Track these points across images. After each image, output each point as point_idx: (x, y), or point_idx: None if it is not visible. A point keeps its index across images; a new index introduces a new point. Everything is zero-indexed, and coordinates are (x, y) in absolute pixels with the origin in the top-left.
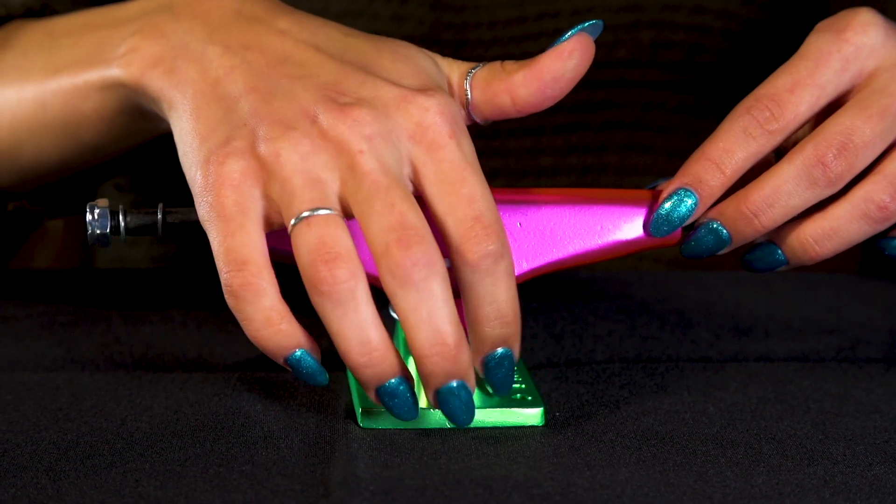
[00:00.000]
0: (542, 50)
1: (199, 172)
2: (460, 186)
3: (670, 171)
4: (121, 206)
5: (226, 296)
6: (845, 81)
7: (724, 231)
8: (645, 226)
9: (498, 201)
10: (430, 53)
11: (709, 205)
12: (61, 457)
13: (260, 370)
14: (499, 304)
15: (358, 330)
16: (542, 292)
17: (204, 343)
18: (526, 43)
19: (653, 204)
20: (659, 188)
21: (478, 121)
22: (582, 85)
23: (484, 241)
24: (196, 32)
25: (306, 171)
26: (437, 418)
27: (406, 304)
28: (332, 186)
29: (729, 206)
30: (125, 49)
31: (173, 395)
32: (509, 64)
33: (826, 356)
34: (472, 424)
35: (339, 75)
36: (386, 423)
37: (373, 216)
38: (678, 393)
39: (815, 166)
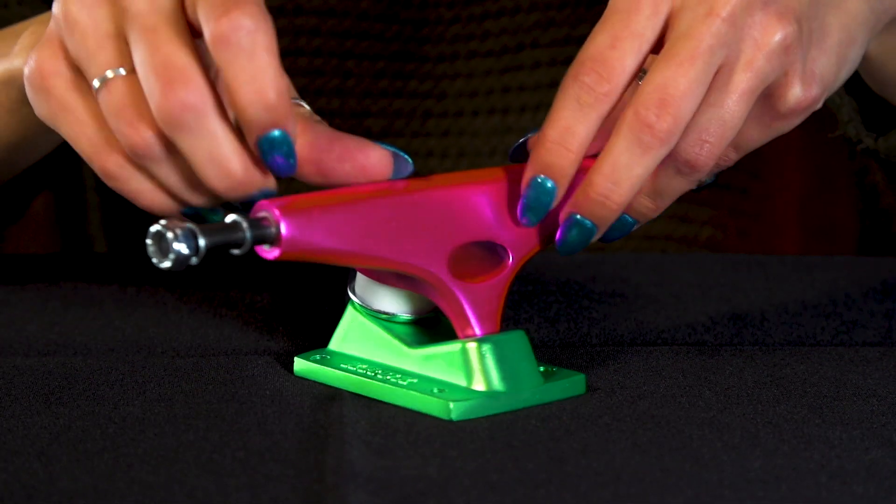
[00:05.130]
0: (503, 30)
1: (24, 71)
2: None
3: None
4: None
5: (106, 181)
6: (660, 24)
7: (587, 221)
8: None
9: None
10: None
11: (567, 184)
12: (53, 441)
13: (253, 355)
14: (257, 81)
15: (179, 181)
16: (536, 275)
17: (197, 328)
18: (486, 22)
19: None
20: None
21: None
22: (546, 63)
23: (234, 13)
24: None
25: (95, 29)
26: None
27: (185, 146)
28: (121, 37)
29: (579, 196)
30: (26, 38)
31: (166, 381)
32: None
33: (822, 340)
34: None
35: None
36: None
37: (139, 61)
38: (674, 377)
39: (641, 131)
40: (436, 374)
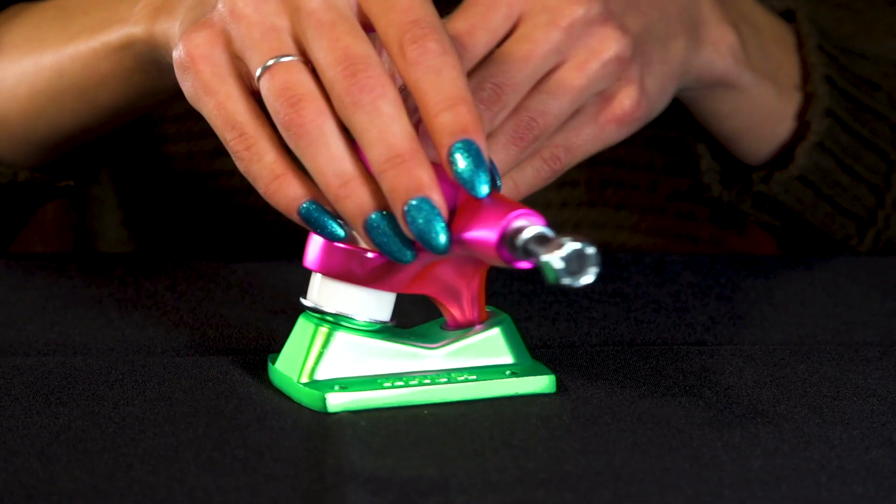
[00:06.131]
0: None
1: (174, 53)
2: (396, 1)
3: (628, 143)
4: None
5: (235, 161)
6: (512, 23)
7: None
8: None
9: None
10: None
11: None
12: (53, 441)
13: (252, 354)
14: (445, 91)
15: (332, 163)
16: (536, 275)
17: (197, 328)
18: None
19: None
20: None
21: None
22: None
23: (421, 40)
24: None
25: (261, 21)
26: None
27: (358, 126)
28: (287, 31)
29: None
30: (140, 7)
31: (166, 380)
32: None
33: (822, 339)
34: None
35: None
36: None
37: (320, 53)
38: (673, 376)
39: (480, 99)
40: (470, 363)
